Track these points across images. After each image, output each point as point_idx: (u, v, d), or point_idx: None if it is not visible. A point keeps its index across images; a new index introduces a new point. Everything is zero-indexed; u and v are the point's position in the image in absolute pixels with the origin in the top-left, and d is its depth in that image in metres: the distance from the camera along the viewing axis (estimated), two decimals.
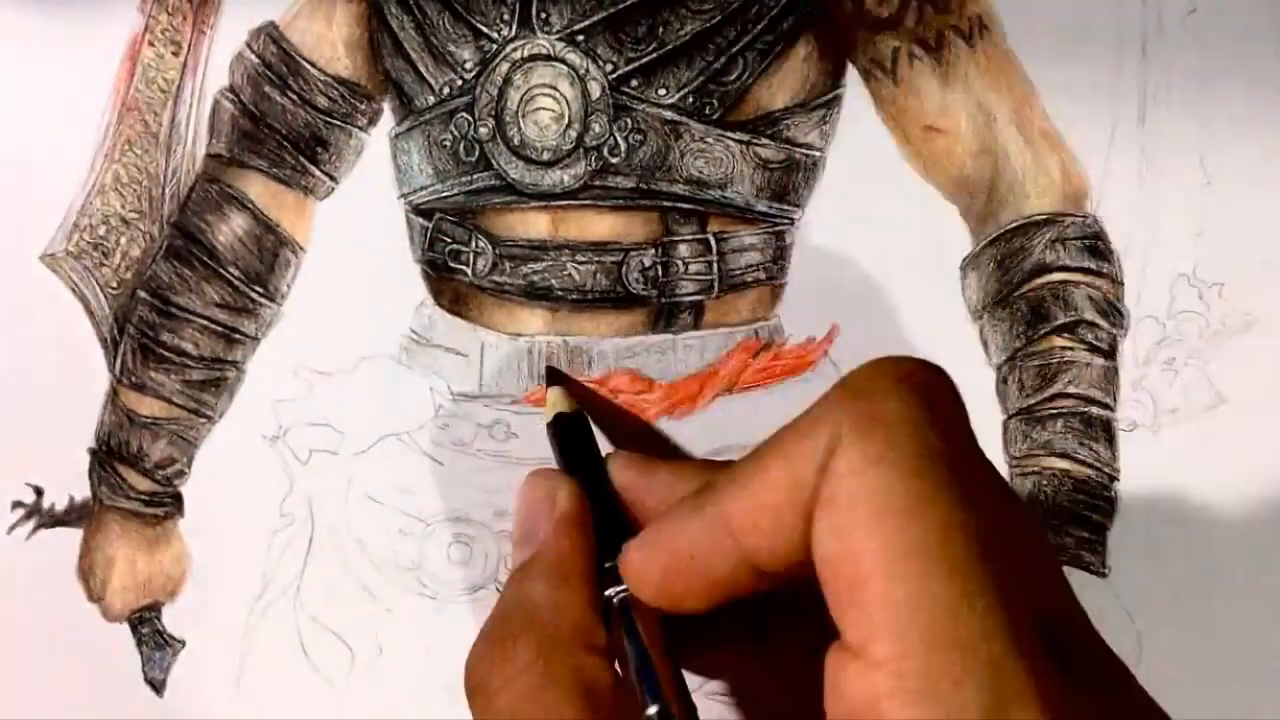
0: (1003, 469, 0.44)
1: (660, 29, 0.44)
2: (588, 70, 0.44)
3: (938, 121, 0.44)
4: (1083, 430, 0.44)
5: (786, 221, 0.45)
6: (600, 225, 0.45)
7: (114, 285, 0.47)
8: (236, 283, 0.47)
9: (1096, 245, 0.44)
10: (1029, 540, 0.26)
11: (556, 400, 0.41)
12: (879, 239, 0.44)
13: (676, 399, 0.45)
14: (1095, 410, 0.44)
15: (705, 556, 0.28)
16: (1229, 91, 0.43)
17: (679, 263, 0.45)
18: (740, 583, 0.28)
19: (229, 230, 0.47)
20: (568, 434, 0.40)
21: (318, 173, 0.47)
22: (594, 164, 0.44)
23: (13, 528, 0.47)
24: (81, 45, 0.46)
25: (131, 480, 0.47)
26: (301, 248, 0.47)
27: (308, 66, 0.46)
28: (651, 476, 0.35)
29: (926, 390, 0.26)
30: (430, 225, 0.46)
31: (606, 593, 0.32)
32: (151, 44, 0.47)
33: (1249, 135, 0.43)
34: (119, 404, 0.47)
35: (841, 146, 0.45)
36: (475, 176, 0.45)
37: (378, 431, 0.46)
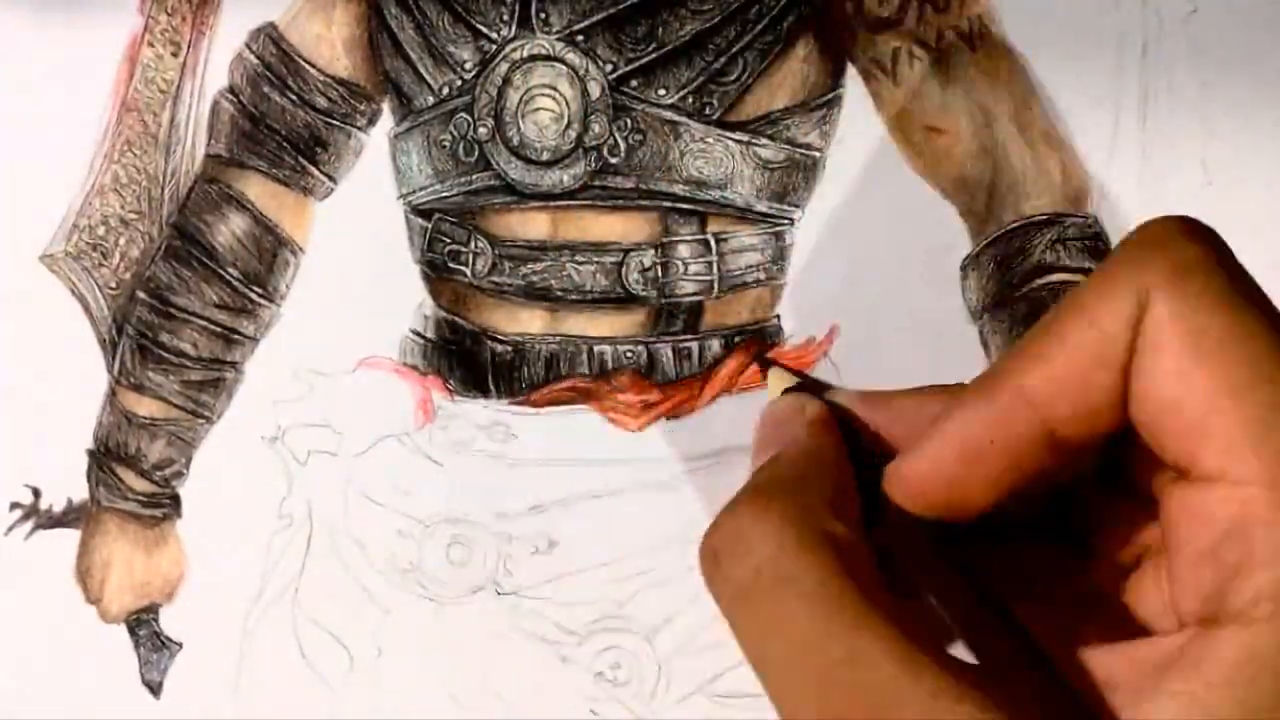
0: None
1: (660, 29, 0.44)
2: (587, 70, 0.44)
3: (938, 122, 0.44)
4: None
5: (786, 222, 0.45)
6: (600, 225, 0.45)
7: (113, 286, 0.47)
8: (235, 283, 0.46)
9: (1097, 246, 0.44)
10: None
11: (780, 380, 0.39)
12: (879, 239, 0.44)
13: (676, 399, 0.45)
14: None
15: (1004, 439, 0.27)
16: (1229, 91, 0.43)
17: (678, 263, 0.45)
18: (1038, 463, 0.28)
19: (228, 231, 0.47)
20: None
21: (317, 173, 0.47)
22: (593, 164, 0.44)
23: (11, 528, 0.47)
24: (81, 45, 0.46)
25: (129, 481, 0.47)
26: (301, 248, 0.47)
27: (307, 67, 0.46)
28: (891, 408, 0.34)
29: (1213, 237, 0.27)
30: (430, 226, 0.46)
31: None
32: (151, 45, 0.47)
33: (1249, 135, 0.43)
34: (117, 405, 0.47)
35: (841, 146, 0.45)
36: (475, 177, 0.45)
37: (377, 432, 0.46)
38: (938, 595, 0.32)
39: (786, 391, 0.37)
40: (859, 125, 0.44)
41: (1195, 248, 0.26)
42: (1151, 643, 0.26)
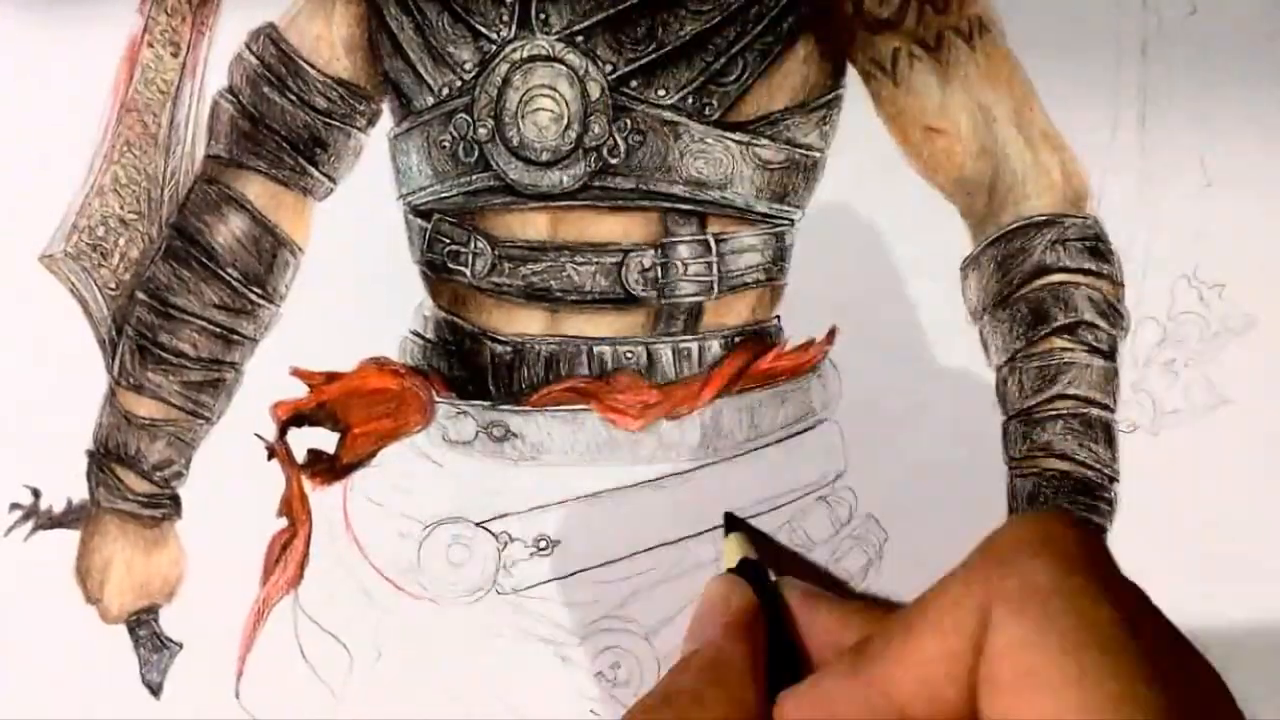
0: (1003, 470, 0.44)
1: (660, 29, 0.44)
2: (587, 71, 0.44)
3: (937, 122, 0.44)
4: (1082, 431, 0.44)
5: (786, 222, 0.45)
6: (599, 226, 0.45)
7: (112, 286, 0.47)
8: (235, 284, 0.46)
9: (1097, 246, 0.44)
10: (1212, 703, 0.26)
11: (738, 547, 0.41)
12: (879, 239, 0.44)
13: (676, 399, 0.45)
14: (1095, 411, 0.44)
15: (861, 717, 0.29)
16: (1229, 91, 0.43)
17: (678, 264, 0.45)
18: None
19: (227, 231, 0.47)
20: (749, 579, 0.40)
21: (316, 174, 0.47)
22: (593, 165, 0.44)
23: (11, 529, 0.47)
24: (81, 46, 0.46)
25: (129, 482, 0.47)
26: (300, 249, 0.47)
27: (307, 67, 0.46)
28: (815, 613, 0.36)
29: (1078, 556, 0.26)
30: (429, 226, 0.46)
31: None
32: (150, 45, 0.47)
33: (1249, 135, 0.43)
34: (117, 405, 0.47)
35: (841, 146, 0.45)
36: (474, 177, 0.45)
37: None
38: None
39: (737, 566, 0.38)
40: (859, 125, 0.44)
41: (1042, 569, 0.25)
42: None
